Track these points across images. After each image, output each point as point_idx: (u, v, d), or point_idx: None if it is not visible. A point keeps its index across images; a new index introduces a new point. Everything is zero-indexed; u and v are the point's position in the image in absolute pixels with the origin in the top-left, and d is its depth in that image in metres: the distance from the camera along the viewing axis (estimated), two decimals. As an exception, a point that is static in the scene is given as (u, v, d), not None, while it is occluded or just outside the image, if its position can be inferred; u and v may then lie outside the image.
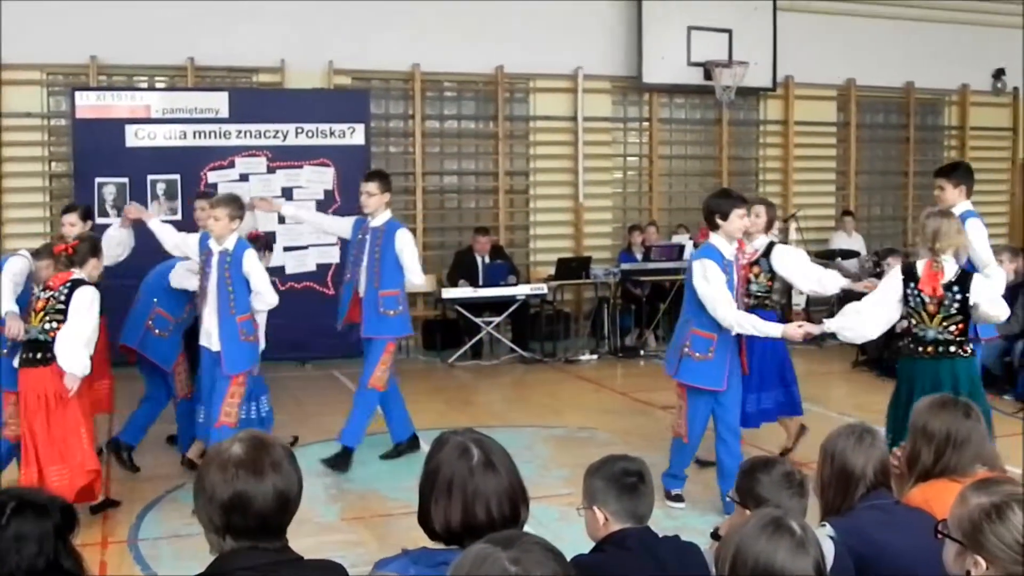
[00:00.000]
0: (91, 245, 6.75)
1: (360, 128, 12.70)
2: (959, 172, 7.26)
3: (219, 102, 12.26)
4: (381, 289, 7.94)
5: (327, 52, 13.24)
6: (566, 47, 14.34)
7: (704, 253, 6.66)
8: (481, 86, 14.46)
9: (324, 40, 13.18)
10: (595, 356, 13.07)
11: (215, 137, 12.21)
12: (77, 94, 11.91)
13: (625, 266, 13.50)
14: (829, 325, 6.31)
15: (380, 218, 8.01)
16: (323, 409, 10.07)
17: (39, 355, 6.35)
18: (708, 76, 14.70)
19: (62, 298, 6.38)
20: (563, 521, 6.08)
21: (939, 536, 2.66)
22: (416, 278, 8.13)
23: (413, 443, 8.39)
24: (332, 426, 9.17)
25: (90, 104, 11.88)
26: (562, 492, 6.94)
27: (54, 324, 6.34)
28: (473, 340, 12.91)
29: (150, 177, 12.02)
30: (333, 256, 12.38)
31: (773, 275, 7.70)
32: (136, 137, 11.98)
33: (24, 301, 6.79)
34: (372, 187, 7.97)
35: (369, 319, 8.00)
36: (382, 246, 7.93)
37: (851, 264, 14.18)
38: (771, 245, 7.74)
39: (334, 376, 11.52)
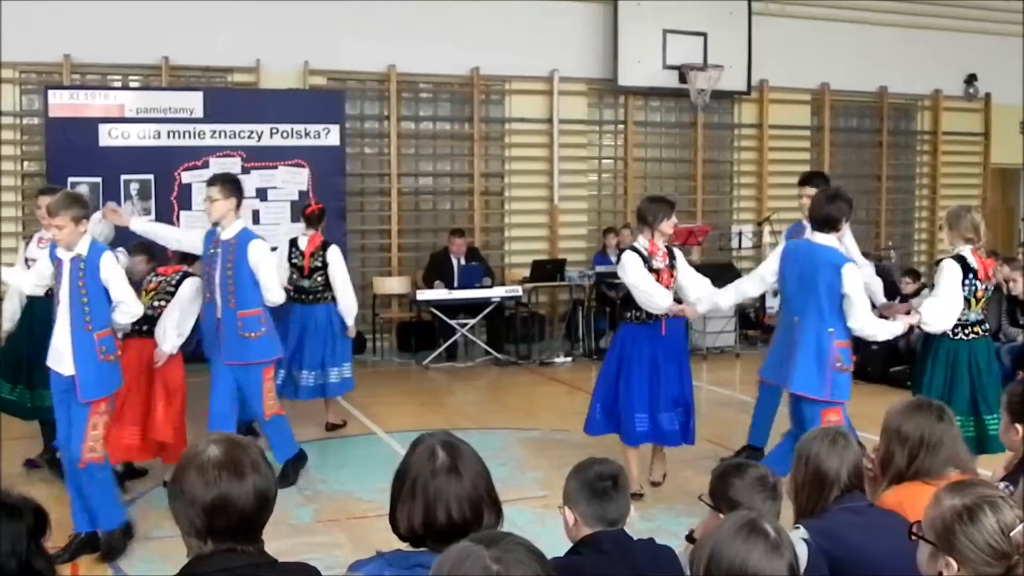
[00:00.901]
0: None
1: (335, 129, 12.67)
2: (821, 180, 7.71)
3: (193, 102, 12.20)
4: (239, 309, 7.06)
5: (302, 52, 13.20)
6: (542, 49, 14.36)
7: (845, 258, 6.26)
8: (457, 88, 14.45)
9: (299, 40, 13.14)
10: (569, 358, 13.09)
11: (189, 137, 12.15)
12: (50, 93, 11.82)
13: (600, 268, 13.52)
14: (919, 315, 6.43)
15: (231, 229, 7.07)
16: (295, 410, 10.06)
17: (145, 327, 7.04)
18: (683, 79, 14.74)
19: (173, 283, 7.23)
20: (538, 523, 6.09)
21: (912, 538, 2.69)
22: (274, 296, 7.21)
23: None
24: (305, 426, 9.18)
25: (63, 103, 11.80)
26: (537, 494, 6.95)
27: (162, 303, 7.15)
28: (448, 342, 12.90)
29: (124, 177, 11.95)
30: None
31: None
32: (110, 136, 11.91)
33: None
34: (214, 192, 7.03)
35: (230, 343, 7.12)
36: (235, 260, 7.03)
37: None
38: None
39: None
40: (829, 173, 16.09)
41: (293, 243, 9.23)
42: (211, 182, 7.21)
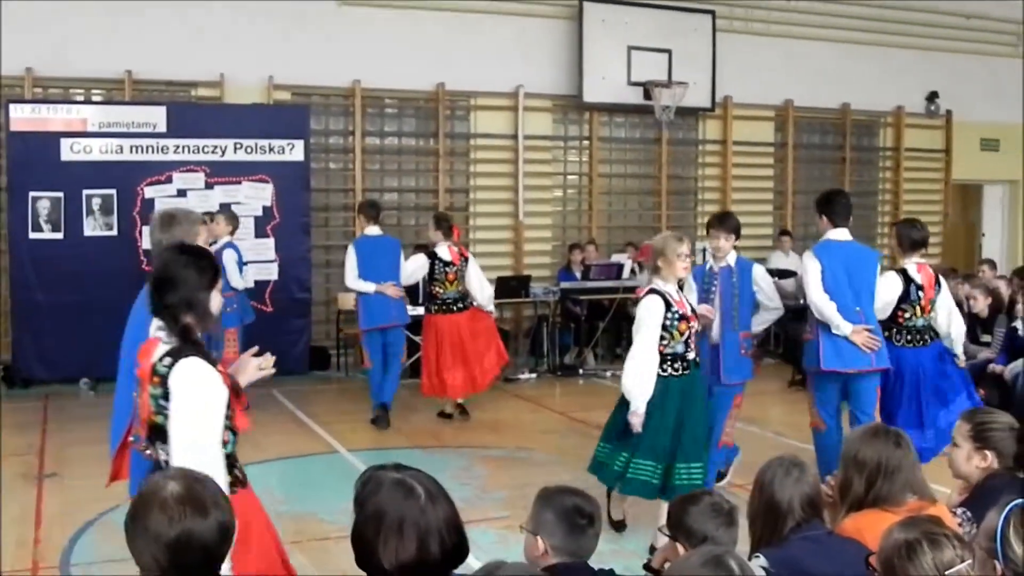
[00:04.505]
0: (444, 221, 10.28)
1: (299, 144, 12.64)
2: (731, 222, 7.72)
3: (157, 116, 12.15)
4: None
5: (267, 67, 13.16)
6: (507, 65, 14.38)
7: None
8: (422, 103, 14.44)
9: (264, 55, 13.10)
10: (534, 375, 13.09)
11: (152, 152, 12.10)
12: (11, 106, 11.73)
13: (564, 284, 13.53)
14: None
15: None
16: (259, 428, 9.98)
17: (456, 306, 10.10)
18: (648, 96, 14.79)
19: (464, 268, 10.08)
20: (501, 544, 6.08)
21: (868, 568, 2.71)
22: None
23: None
24: (269, 444, 9.13)
25: (25, 117, 11.72)
26: (500, 515, 6.91)
27: (462, 286, 10.07)
28: (412, 358, 12.82)
29: (85, 192, 11.88)
30: (272, 273, 12.36)
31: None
32: (72, 151, 11.83)
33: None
34: None
35: None
36: None
37: (788, 283, 14.28)
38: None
39: (272, 394, 11.39)
40: (793, 189, 16.32)
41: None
42: None
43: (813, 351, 7.16)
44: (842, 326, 6.93)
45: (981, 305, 10.68)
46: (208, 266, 3.75)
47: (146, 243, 11.89)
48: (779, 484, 3.46)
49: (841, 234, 7.22)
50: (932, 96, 17.25)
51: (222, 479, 3.45)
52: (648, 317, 6.17)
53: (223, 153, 12.33)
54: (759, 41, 15.83)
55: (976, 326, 10.73)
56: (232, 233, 10.66)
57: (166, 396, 3.55)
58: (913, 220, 7.66)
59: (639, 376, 6.14)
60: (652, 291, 6.25)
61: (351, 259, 10.14)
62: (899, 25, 16.59)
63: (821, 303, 7.01)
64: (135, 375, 3.77)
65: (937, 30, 16.85)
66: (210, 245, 10.63)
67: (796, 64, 16.03)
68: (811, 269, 7.08)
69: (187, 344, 3.61)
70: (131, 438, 4.43)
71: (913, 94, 17.16)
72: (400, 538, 2.72)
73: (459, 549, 2.78)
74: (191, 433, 3.53)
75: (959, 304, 10.79)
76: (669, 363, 6.26)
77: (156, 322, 3.69)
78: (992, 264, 13.16)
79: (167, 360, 3.57)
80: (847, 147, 16.96)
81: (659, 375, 6.20)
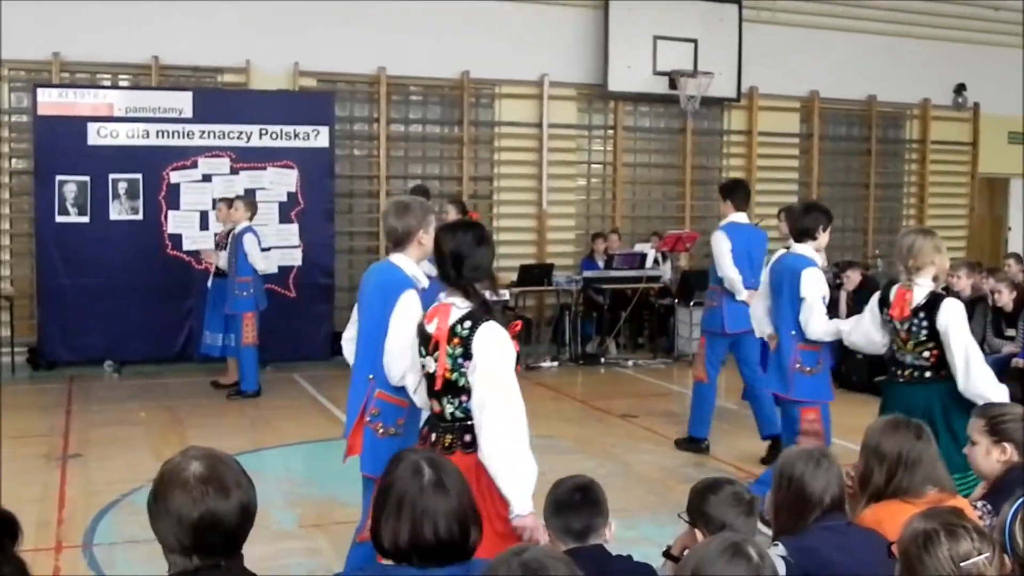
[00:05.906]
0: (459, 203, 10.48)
1: (324, 131, 12.67)
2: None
3: (183, 102, 12.20)
4: None
5: (292, 53, 13.19)
6: (532, 54, 14.37)
7: (808, 262, 6.83)
8: (447, 91, 14.44)
9: (290, 41, 13.13)
10: (556, 363, 13.10)
11: (178, 137, 12.15)
12: (39, 91, 11.81)
13: (587, 274, 13.55)
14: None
15: None
16: (280, 412, 10.05)
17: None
18: (673, 85, 14.77)
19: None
20: (520, 531, 6.09)
21: (891, 557, 2.72)
22: None
23: None
24: (290, 429, 9.18)
25: (52, 101, 11.80)
26: (520, 502, 6.91)
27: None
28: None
29: (112, 176, 11.95)
30: (295, 258, 12.38)
31: None
32: (98, 135, 11.89)
33: None
34: None
35: None
36: None
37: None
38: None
39: (293, 379, 11.47)
40: (817, 180, 16.27)
41: None
42: None
43: (718, 317, 8.40)
44: (743, 293, 8.09)
45: (1006, 299, 10.60)
46: (489, 240, 4.18)
47: (172, 227, 12.00)
48: (811, 475, 3.40)
49: (742, 217, 8.43)
50: (959, 88, 17.16)
51: (526, 424, 3.91)
52: (964, 318, 5.47)
53: (248, 139, 12.37)
54: (785, 32, 15.75)
55: (1001, 320, 10.67)
56: (251, 219, 10.73)
57: (465, 355, 3.93)
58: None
59: (992, 378, 5.39)
60: (940, 295, 5.50)
61: None
62: (926, 16, 16.49)
63: (733, 275, 8.18)
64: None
65: (965, 22, 16.74)
66: (229, 230, 10.85)
67: (822, 55, 15.95)
68: (723, 247, 8.25)
69: (486, 309, 4.00)
70: (367, 418, 4.65)
71: (940, 86, 17.07)
72: (398, 517, 2.73)
73: (461, 542, 2.76)
74: (500, 386, 3.89)
75: (983, 298, 10.82)
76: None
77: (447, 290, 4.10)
78: (1018, 258, 13.04)
79: (467, 323, 3.95)
80: (873, 139, 16.87)
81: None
